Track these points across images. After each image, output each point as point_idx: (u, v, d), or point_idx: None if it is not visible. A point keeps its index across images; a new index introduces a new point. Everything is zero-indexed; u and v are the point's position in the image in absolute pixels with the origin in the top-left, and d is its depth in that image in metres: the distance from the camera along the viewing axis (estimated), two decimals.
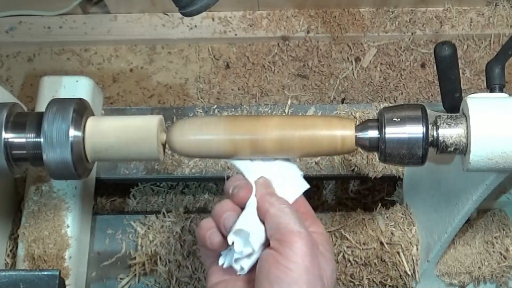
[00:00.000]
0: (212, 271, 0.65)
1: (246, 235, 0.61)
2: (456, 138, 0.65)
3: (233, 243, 0.61)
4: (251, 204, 0.64)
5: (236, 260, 0.62)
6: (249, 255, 0.62)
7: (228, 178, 0.72)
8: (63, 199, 0.97)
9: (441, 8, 1.30)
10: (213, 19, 1.30)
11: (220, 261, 0.64)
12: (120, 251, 1.02)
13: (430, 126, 0.65)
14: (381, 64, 1.28)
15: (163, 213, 1.03)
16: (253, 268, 0.62)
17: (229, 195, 0.65)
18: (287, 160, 0.68)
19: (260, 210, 0.63)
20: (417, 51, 1.29)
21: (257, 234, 0.62)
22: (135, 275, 1.00)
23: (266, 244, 0.62)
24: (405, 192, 1.05)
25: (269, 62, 1.28)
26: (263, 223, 0.63)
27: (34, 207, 0.97)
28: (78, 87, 1.03)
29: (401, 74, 1.27)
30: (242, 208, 0.64)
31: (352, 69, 1.28)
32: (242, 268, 0.63)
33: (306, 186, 0.68)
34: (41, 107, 0.91)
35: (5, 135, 0.65)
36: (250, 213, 0.63)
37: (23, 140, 0.65)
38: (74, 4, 1.26)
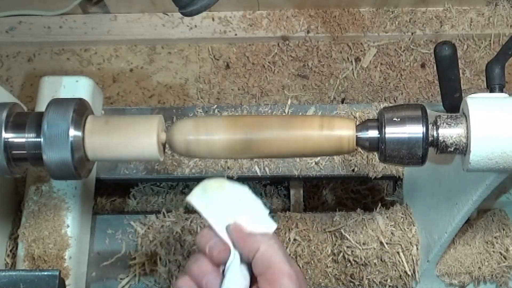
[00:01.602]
0: None
1: None
2: (456, 138, 0.65)
3: None
4: (233, 261, 0.62)
5: None
6: None
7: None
8: (63, 199, 0.97)
9: (441, 8, 1.30)
10: (213, 19, 1.30)
11: None
12: (120, 251, 1.02)
13: (430, 126, 0.65)
14: (381, 64, 1.28)
15: (163, 213, 1.03)
16: None
17: (205, 253, 0.63)
18: (251, 199, 0.66)
19: (248, 250, 0.62)
20: (417, 51, 1.29)
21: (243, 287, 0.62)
22: (135, 275, 1.01)
23: (252, 281, 0.62)
24: (405, 192, 1.05)
25: (269, 62, 1.28)
26: (247, 264, 0.62)
27: (34, 207, 0.97)
28: (78, 87, 1.03)
29: (401, 74, 1.27)
30: (218, 265, 0.63)
31: (352, 69, 1.28)
32: None
33: (274, 225, 0.65)
34: (41, 107, 0.91)
35: (5, 135, 0.65)
36: (233, 273, 0.62)
37: (23, 140, 0.65)
38: (74, 4, 1.26)
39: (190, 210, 1.19)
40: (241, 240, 0.62)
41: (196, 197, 0.64)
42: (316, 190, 1.21)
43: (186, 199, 0.64)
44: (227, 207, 0.64)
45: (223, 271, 0.63)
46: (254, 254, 0.61)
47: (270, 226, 0.64)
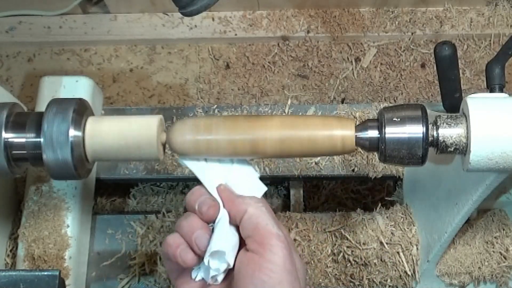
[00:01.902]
0: (180, 283, 0.66)
1: (222, 254, 0.62)
2: (456, 138, 0.65)
3: (208, 262, 0.62)
4: (222, 219, 0.64)
5: (213, 276, 0.63)
6: (222, 271, 0.63)
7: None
8: (63, 199, 0.97)
9: (441, 8, 1.30)
10: (213, 19, 1.30)
11: (193, 275, 0.64)
12: (120, 251, 1.02)
13: (430, 126, 0.65)
14: (381, 64, 1.28)
15: (163, 213, 1.03)
16: (228, 274, 0.63)
17: (195, 211, 0.64)
18: (243, 161, 0.68)
19: (236, 213, 0.63)
20: (417, 51, 1.29)
21: (232, 248, 0.63)
22: (135, 275, 1.01)
23: (241, 244, 0.63)
24: (405, 192, 1.05)
25: (269, 62, 1.28)
26: (235, 226, 0.63)
27: (34, 207, 0.97)
28: (78, 87, 1.03)
29: (401, 74, 1.27)
30: (208, 223, 0.64)
31: (352, 69, 1.28)
32: (216, 280, 0.64)
33: (264, 188, 0.67)
34: (41, 107, 0.91)
35: (5, 135, 0.65)
36: (222, 229, 0.63)
37: (23, 140, 0.65)
38: (74, 4, 1.26)
39: None
40: (229, 201, 0.64)
41: (190, 157, 0.66)
42: (316, 190, 1.21)
43: (178, 159, 0.66)
44: (219, 168, 0.66)
45: (213, 229, 0.64)
46: (242, 216, 0.63)
47: (260, 189, 0.66)
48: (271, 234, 0.61)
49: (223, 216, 0.64)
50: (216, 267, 0.62)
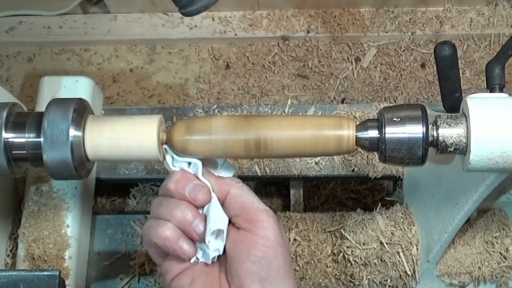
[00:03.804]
0: (167, 265, 0.66)
1: (221, 232, 0.63)
2: (456, 138, 0.65)
3: (209, 242, 0.63)
4: (213, 200, 0.65)
5: (214, 257, 0.64)
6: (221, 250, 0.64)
7: None
8: (63, 199, 0.97)
9: (441, 8, 1.30)
10: (213, 19, 1.30)
11: (192, 259, 0.65)
12: (120, 251, 1.03)
13: (430, 126, 0.65)
14: (381, 64, 1.28)
15: None
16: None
17: (185, 198, 0.64)
18: None
19: (220, 193, 0.65)
20: (417, 51, 1.29)
21: (225, 226, 0.64)
22: (135, 275, 1.01)
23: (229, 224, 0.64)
24: (405, 192, 1.05)
25: (269, 62, 1.28)
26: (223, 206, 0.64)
27: (34, 207, 0.97)
28: (78, 87, 1.03)
29: (401, 74, 1.27)
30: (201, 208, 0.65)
31: (352, 69, 1.28)
32: (214, 258, 0.65)
33: (233, 170, 0.69)
34: (41, 107, 0.91)
35: (5, 135, 0.65)
36: (216, 209, 0.64)
37: (23, 140, 0.65)
38: (74, 4, 1.26)
39: None
40: (214, 182, 0.65)
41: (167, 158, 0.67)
42: (316, 190, 1.21)
43: (165, 165, 0.67)
44: (189, 159, 0.66)
45: (204, 211, 0.64)
46: (224, 197, 0.64)
47: (230, 171, 0.68)
48: (259, 210, 0.63)
49: (213, 196, 0.65)
50: (216, 247, 0.63)
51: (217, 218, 0.63)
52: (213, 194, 0.65)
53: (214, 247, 0.63)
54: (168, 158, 0.66)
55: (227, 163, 0.69)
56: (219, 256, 0.65)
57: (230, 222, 0.65)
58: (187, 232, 0.63)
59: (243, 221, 0.63)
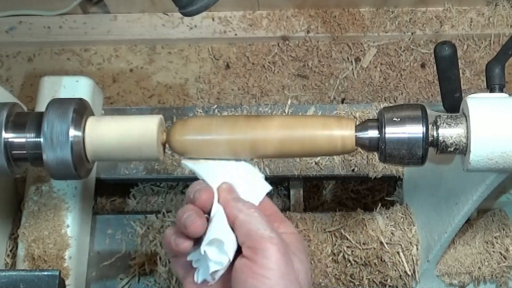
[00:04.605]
0: (186, 283, 0.65)
1: (220, 243, 0.61)
2: (456, 138, 0.65)
3: (205, 252, 0.61)
4: (218, 212, 0.63)
5: (212, 273, 0.62)
6: (224, 264, 0.62)
7: None
8: (63, 199, 0.97)
9: (441, 8, 1.30)
10: (213, 19, 1.30)
11: (195, 278, 0.64)
12: (120, 251, 1.02)
13: (430, 126, 0.65)
14: (381, 64, 1.28)
15: (163, 213, 1.03)
16: (226, 277, 0.62)
17: (190, 200, 0.64)
18: (246, 164, 0.68)
19: (228, 217, 0.63)
20: (417, 51, 1.29)
21: (231, 242, 0.62)
22: (135, 275, 1.01)
23: (239, 251, 0.62)
24: (405, 192, 1.05)
25: (269, 62, 1.28)
26: (233, 229, 0.63)
27: (34, 207, 0.97)
28: (78, 87, 1.03)
29: (401, 74, 1.27)
30: (205, 213, 0.64)
31: (352, 69, 1.28)
32: (213, 279, 0.63)
33: (268, 187, 0.67)
34: (41, 107, 0.91)
35: (5, 135, 0.65)
36: (219, 222, 0.62)
37: (23, 140, 0.65)
38: (74, 4, 1.26)
39: None
40: (224, 203, 0.63)
41: (191, 160, 0.67)
42: (316, 190, 1.21)
43: (181, 162, 0.66)
44: (222, 169, 0.66)
45: (209, 221, 0.63)
46: (233, 222, 0.62)
47: (264, 189, 0.66)
48: (263, 238, 0.59)
49: (220, 210, 0.63)
50: (215, 258, 0.61)
51: (218, 229, 0.62)
52: (219, 207, 0.63)
53: (214, 258, 0.61)
54: (196, 165, 0.66)
55: (263, 181, 0.67)
56: (226, 283, 0.63)
57: (240, 249, 0.62)
58: (180, 227, 0.62)
59: (247, 249, 0.60)
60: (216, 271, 0.62)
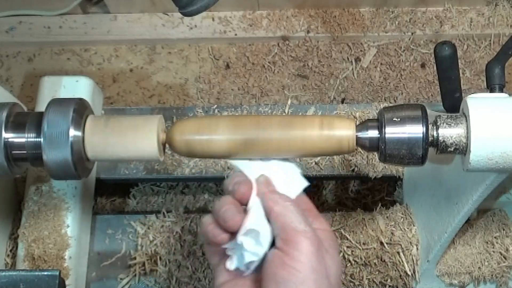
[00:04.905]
0: (218, 270, 0.65)
1: (257, 234, 0.61)
2: (456, 138, 0.65)
3: (241, 242, 0.61)
4: (256, 204, 0.63)
5: (248, 263, 0.62)
6: (260, 255, 0.62)
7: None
8: (63, 199, 0.97)
9: (441, 8, 1.30)
10: (213, 19, 1.30)
11: (227, 265, 0.64)
12: (120, 251, 1.02)
13: (430, 126, 0.65)
14: (381, 64, 1.28)
15: (163, 213, 1.03)
16: (260, 268, 0.62)
17: (229, 191, 0.64)
18: (285, 159, 0.68)
19: (265, 209, 0.63)
20: (417, 51, 1.29)
21: (266, 233, 0.62)
22: (135, 275, 1.00)
23: (273, 243, 0.62)
24: (405, 192, 1.05)
25: (269, 62, 1.28)
26: (269, 221, 0.63)
27: (34, 207, 0.97)
28: (78, 87, 1.03)
29: (401, 74, 1.27)
30: (243, 204, 0.64)
31: (352, 69, 1.28)
32: (248, 268, 0.63)
33: (305, 183, 0.67)
34: (41, 107, 0.91)
35: (5, 135, 0.65)
36: (256, 213, 0.63)
37: (23, 140, 0.65)
38: (74, 4, 1.26)
39: (190, 210, 1.19)
40: (261, 195, 0.63)
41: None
42: (316, 190, 1.21)
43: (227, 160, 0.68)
44: (260, 164, 0.67)
45: (247, 212, 0.63)
46: (269, 213, 0.62)
47: (301, 184, 0.67)
48: (296, 231, 0.59)
49: (257, 202, 0.64)
50: (251, 248, 0.61)
51: (255, 219, 0.62)
52: (256, 199, 0.64)
53: (250, 248, 0.61)
54: (238, 161, 0.67)
55: (301, 177, 0.67)
56: (258, 275, 0.62)
57: (274, 241, 0.62)
58: (218, 218, 0.62)
59: (280, 240, 0.60)
60: (251, 262, 0.62)
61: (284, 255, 0.59)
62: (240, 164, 0.67)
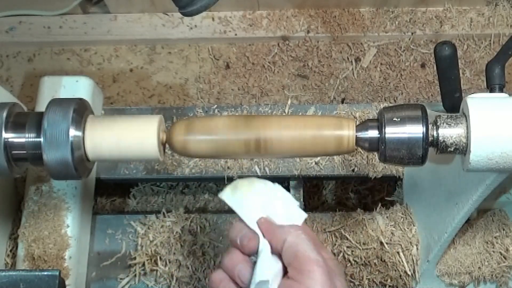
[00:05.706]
0: None
1: (266, 283, 0.62)
2: (456, 138, 0.65)
3: None
4: (265, 247, 0.64)
5: None
6: None
7: (229, 179, 0.71)
8: (63, 199, 0.97)
9: (441, 8, 1.30)
10: (213, 19, 1.30)
11: None
12: (120, 251, 1.02)
13: (430, 126, 0.65)
14: (381, 64, 1.28)
15: (163, 213, 1.03)
16: None
17: (237, 245, 0.65)
18: (282, 193, 0.68)
19: (276, 241, 0.63)
20: (417, 51, 1.29)
21: (275, 275, 0.63)
22: (135, 275, 1.00)
23: (284, 272, 0.63)
24: (405, 192, 1.05)
25: (269, 62, 1.28)
26: (277, 255, 0.64)
27: (34, 207, 0.97)
28: (78, 87, 1.03)
29: (401, 74, 1.28)
30: (251, 256, 0.65)
31: (352, 69, 1.28)
32: None
33: (304, 215, 0.67)
34: (41, 107, 0.91)
35: (5, 135, 0.65)
36: (264, 259, 0.64)
37: (23, 140, 0.65)
38: (74, 4, 1.26)
39: (190, 210, 1.19)
40: (269, 232, 0.64)
41: (227, 194, 0.67)
42: (316, 190, 1.21)
43: (219, 195, 0.67)
44: (258, 202, 0.66)
45: (255, 262, 0.64)
46: (282, 245, 0.63)
47: (300, 217, 0.67)
48: (310, 260, 0.61)
49: (264, 247, 0.64)
50: None
51: (264, 269, 0.63)
52: (265, 244, 0.64)
53: None
54: (233, 200, 0.66)
55: (299, 209, 0.67)
56: None
57: (286, 271, 0.63)
58: (232, 277, 0.64)
59: (293, 269, 0.61)
60: None
61: (298, 284, 0.60)
62: (237, 206, 0.66)
